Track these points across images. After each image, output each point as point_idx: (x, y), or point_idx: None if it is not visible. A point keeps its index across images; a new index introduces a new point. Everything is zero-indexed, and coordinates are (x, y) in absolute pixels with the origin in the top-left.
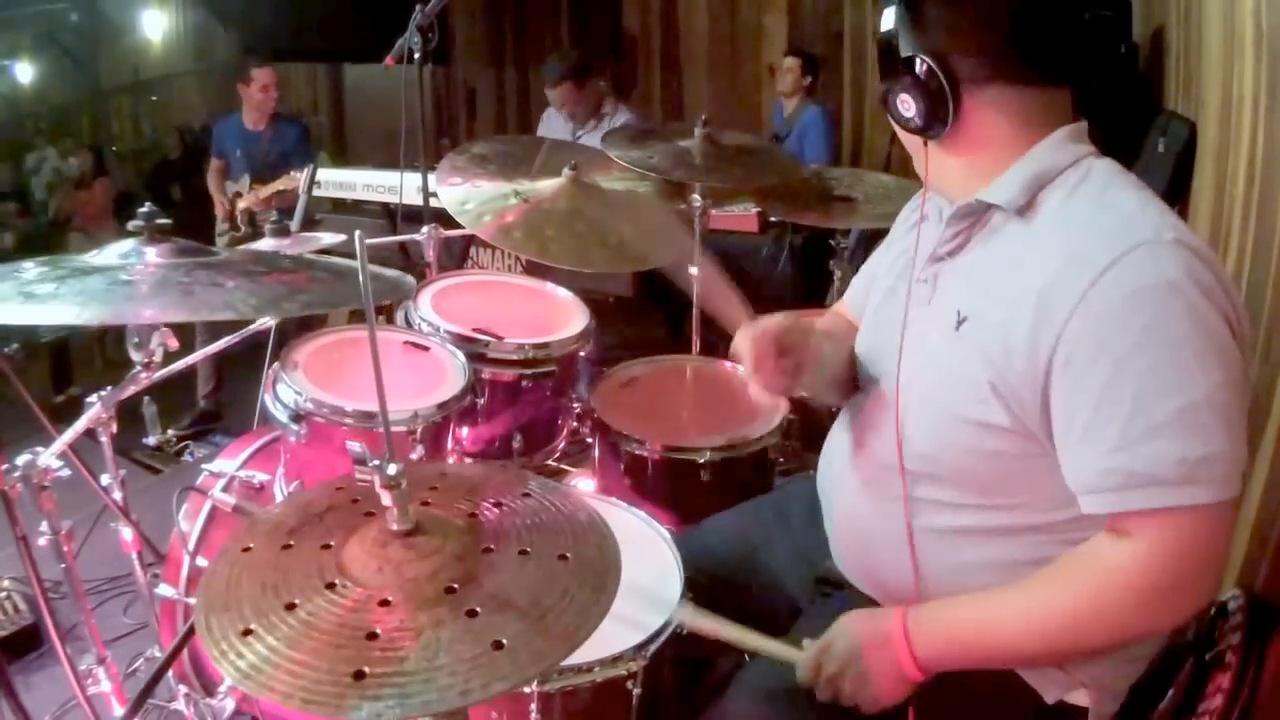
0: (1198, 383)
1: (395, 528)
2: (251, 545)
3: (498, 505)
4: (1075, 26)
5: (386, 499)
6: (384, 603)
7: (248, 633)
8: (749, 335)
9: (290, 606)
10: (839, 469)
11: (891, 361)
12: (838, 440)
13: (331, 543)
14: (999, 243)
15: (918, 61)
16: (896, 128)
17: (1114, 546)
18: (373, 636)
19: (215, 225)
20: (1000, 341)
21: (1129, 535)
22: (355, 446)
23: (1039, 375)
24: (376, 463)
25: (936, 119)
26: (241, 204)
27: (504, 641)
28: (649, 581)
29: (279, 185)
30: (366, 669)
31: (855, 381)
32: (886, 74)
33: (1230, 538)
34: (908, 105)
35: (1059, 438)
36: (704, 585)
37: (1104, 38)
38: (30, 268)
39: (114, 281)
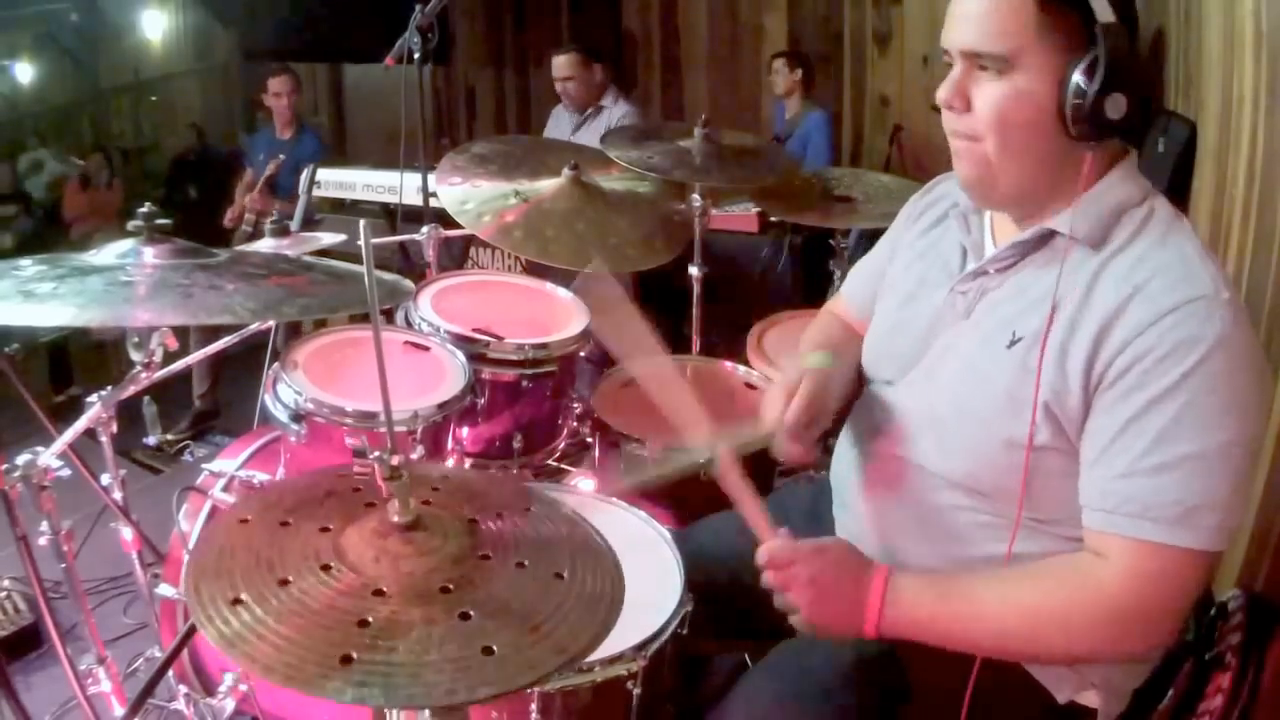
0: (1216, 436)
1: (396, 520)
2: (248, 518)
3: (499, 517)
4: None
5: (387, 490)
6: (378, 592)
7: (237, 601)
8: (781, 412)
9: (284, 582)
10: (857, 468)
11: (917, 369)
12: (853, 441)
13: (330, 526)
14: (1064, 267)
15: (1138, 63)
16: (1024, 147)
17: (1095, 563)
18: (364, 624)
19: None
20: (1057, 362)
21: (1111, 557)
22: (354, 440)
23: (1089, 398)
24: (378, 454)
25: (1125, 126)
26: (246, 200)
27: (494, 648)
28: (649, 582)
29: (269, 170)
30: (355, 654)
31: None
32: (1109, 69)
33: (1199, 589)
34: (1118, 106)
35: (1082, 454)
36: (703, 583)
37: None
38: (28, 265)
39: (113, 282)
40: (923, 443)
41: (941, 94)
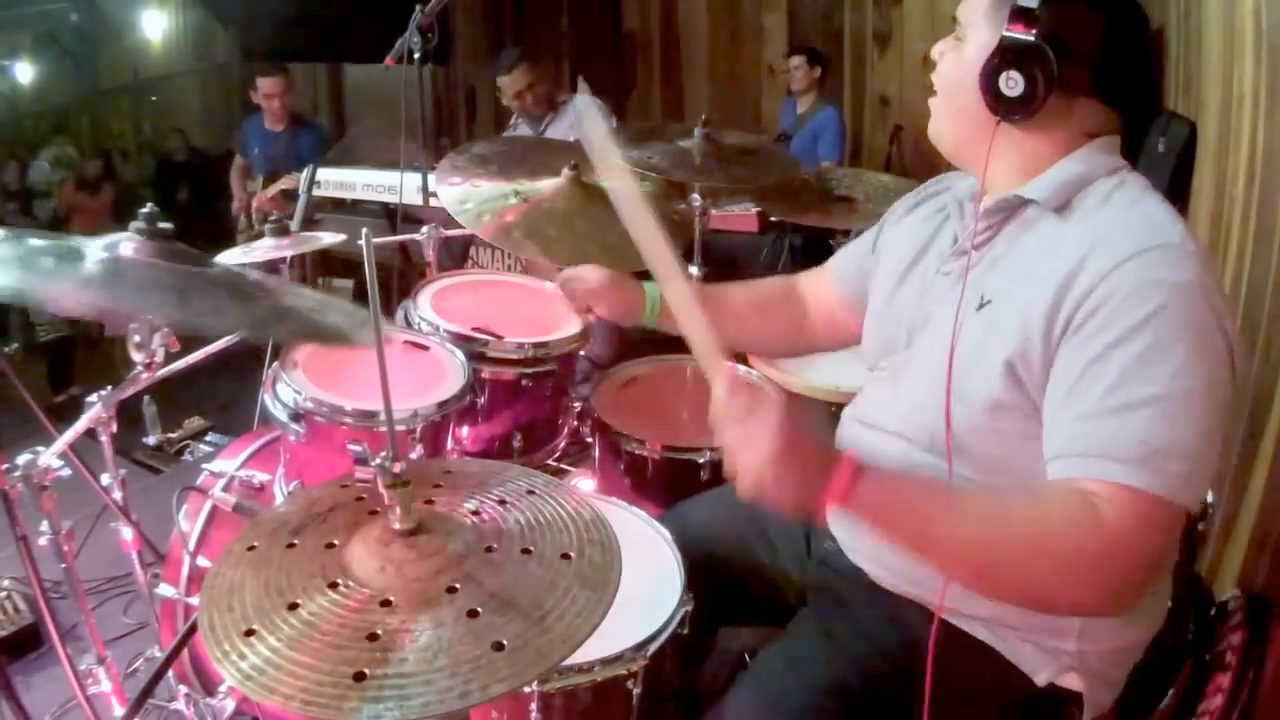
0: (1180, 380)
1: (398, 527)
2: (256, 544)
3: (501, 503)
4: (1148, 56)
5: (389, 498)
6: (385, 603)
7: (250, 633)
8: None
9: (293, 606)
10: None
11: (905, 350)
12: (848, 426)
13: (335, 541)
14: (1030, 236)
15: (1041, 50)
16: (955, 108)
17: (1083, 505)
18: (373, 637)
19: (226, 225)
20: (1020, 318)
21: (1096, 503)
22: (356, 447)
23: (1051, 349)
24: (378, 461)
25: (1025, 106)
26: (254, 202)
27: (504, 643)
28: (649, 581)
29: (282, 184)
30: (367, 670)
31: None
32: (1005, 48)
33: (1167, 549)
34: (1013, 83)
35: (1046, 404)
36: (706, 561)
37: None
38: (33, 242)
39: (111, 272)
40: (909, 421)
41: (933, 50)
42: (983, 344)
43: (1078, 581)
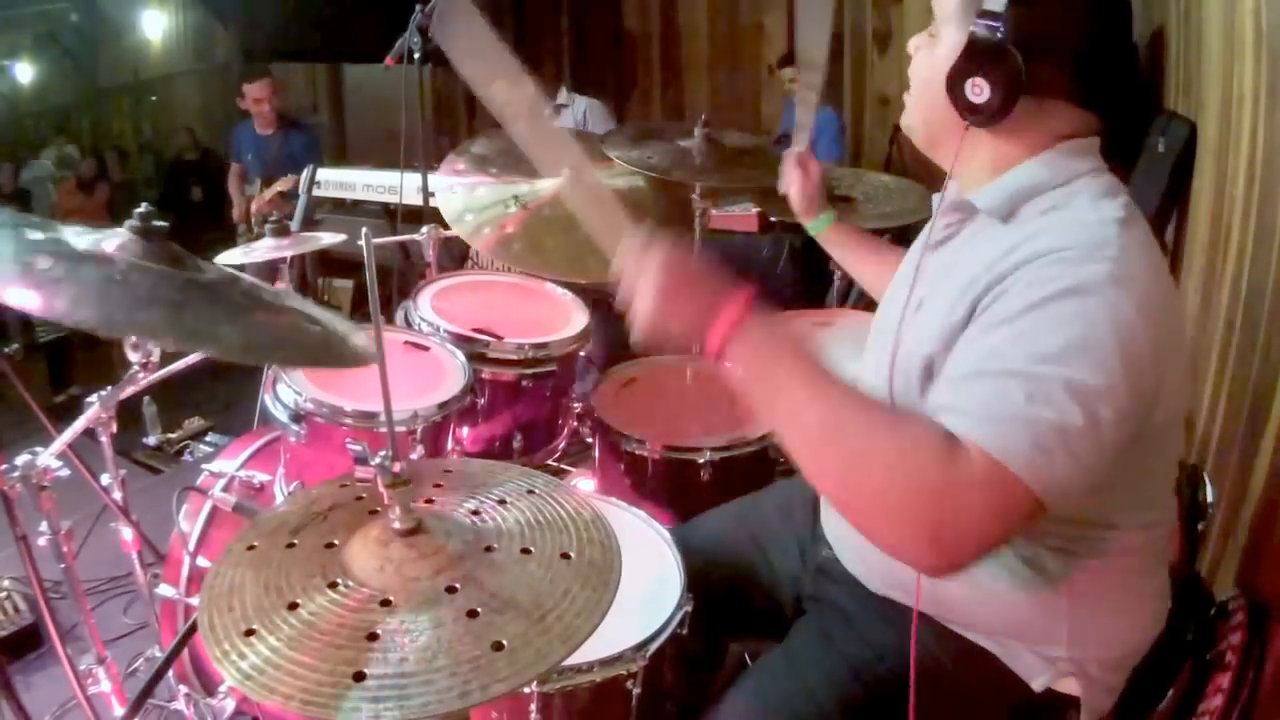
0: (1043, 365)
1: (397, 526)
2: (256, 544)
3: (501, 503)
4: (1130, 58)
5: (389, 498)
6: (385, 603)
7: (250, 633)
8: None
9: (292, 606)
10: None
11: (875, 353)
12: None
13: (335, 541)
14: (978, 241)
15: (1009, 54)
16: (925, 106)
17: (948, 439)
18: (373, 637)
19: (236, 227)
20: (942, 319)
21: (959, 444)
22: (356, 446)
23: (954, 342)
24: (378, 460)
25: (995, 111)
26: (253, 206)
27: (504, 643)
28: (649, 581)
29: (279, 186)
30: (367, 670)
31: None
32: (970, 53)
33: (1001, 529)
34: (979, 90)
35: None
36: (706, 578)
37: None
38: (33, 232)
39: (108, 280)
40: None
41: (909, 44)
42: (915, 345)
43: (910, 506)
